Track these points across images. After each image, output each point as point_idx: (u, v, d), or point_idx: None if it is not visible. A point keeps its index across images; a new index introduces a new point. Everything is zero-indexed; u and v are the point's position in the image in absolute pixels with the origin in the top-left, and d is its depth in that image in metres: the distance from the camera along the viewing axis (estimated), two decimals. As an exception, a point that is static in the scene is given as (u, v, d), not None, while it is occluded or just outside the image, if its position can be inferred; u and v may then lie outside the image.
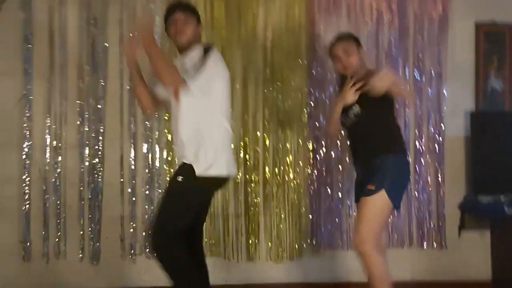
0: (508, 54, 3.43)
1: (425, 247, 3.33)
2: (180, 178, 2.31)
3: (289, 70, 3.26)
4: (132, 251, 3.16)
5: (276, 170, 3.24)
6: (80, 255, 3.12)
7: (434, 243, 3.33)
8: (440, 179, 3.34)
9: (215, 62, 2.32)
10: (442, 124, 3.35)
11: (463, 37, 3.41)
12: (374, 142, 2.50)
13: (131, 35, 2.37)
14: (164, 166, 3.18)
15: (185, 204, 2.31)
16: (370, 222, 2.41)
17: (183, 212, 2.31)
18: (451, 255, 3.33)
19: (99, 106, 3.12)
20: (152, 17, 2.23)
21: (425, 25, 3.37)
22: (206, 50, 2.33)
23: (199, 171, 2.28)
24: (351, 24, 3.32)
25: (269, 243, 3.24)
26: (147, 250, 3.10)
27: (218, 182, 2.40)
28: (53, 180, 3.11)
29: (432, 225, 3.34)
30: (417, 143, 3.35)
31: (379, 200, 2.40)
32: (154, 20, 2.25)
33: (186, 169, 2.30)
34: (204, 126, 2.31)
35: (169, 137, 3.13)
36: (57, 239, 3.11)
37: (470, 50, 3.42)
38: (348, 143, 2.68)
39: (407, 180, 2.61)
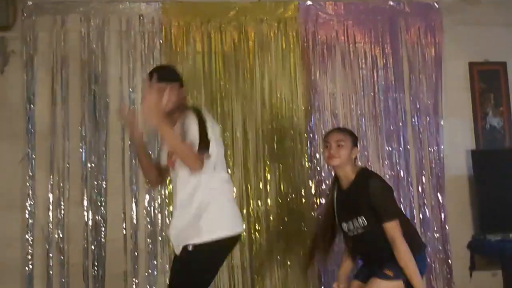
0: (504, 91, 3.48)
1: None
2: (190, 247, 2.16)
3: (288, 118, 3.30)
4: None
5: (280, 218, 3.21)
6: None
7: (444, 285, 3.26)
8: (443, 220, 3.31)
9: (211, 125, 2.23)
10: (443, 164, 3.35)
11: (457, 77, 3.47)
12: (386, 253, 2.36)
13: (131, 109, 2.32)
14: (166, 220, 3.16)
15: (201, 276, 2.20)
16: None
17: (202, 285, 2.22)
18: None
19: (101, 162, 3.14)
20: (159, 95, 2.11)
21: (419, 67, 3.44)
22: (199, 116, 2.21)
23: (202, 239, 2.16)
24: (346, 69, 3.38)
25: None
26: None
27: (228, 242, 2.25)
28: (56, 238, 3.08)
29: (441, 268, 3.28)
30: (419, 187, 3.34)
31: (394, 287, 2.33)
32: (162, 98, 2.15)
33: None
34: (206, 190, 2.20)
35: (170, 188, 3.14)
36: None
37: (465, 90, 3.47)
38: (355, 250, 2.56)
39: (424, 272, 2.49)
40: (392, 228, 2.33)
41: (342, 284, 2.59)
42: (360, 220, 2.40)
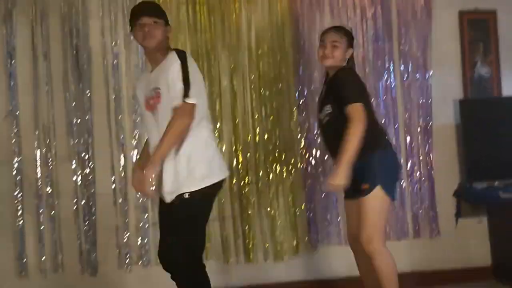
0: (493, 41, 3.44)
1: (421, 237, 3.32)
2: (187, 195, 2.23)
3: (276, 68, 3.25)
4: (128, 261, 3.14)
5: (270, 169, 3.23)
6: (80, 267, 3.10)
7: (430, 232, 3.32)
8: (430, 168, 3.34)
9: (196, 68, 2.28)
10: (430, 114, 3.35)
11: (447, 26, 3.41)
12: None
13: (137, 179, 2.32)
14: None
15: (199, 220, 2.31)
16: (375, 220, 2.41)
17: (201, 229, 2.31)
18: (450, 244, 3.33)
19: (86, 117, 3.11)
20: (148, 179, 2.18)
21: (409, 16, 3.37)
22: (182, 57, 2.24)
23: (196, 186, 2.24)
24: (334, 20, 3.31)
25: (266, 244, 3.23)
26: (143, 259, 3.13)
27: (217, 187, 2.35)
28: (46, 194, 3.08)
29: (427, 215, 3.33)
30: (407, 135, 3.35)
31: (377, 197, 2.40)
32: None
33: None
34: (190, 136, 2.24)
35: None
36: (54, 253, 3.09)
37: (455, 39, 3.43)
38: (324, 141, 2.66)
39: (398, 170, 2.63)
40: (354, 110, 2.33)
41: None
42: (326, 108, 2.47)
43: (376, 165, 2.41)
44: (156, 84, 2.27)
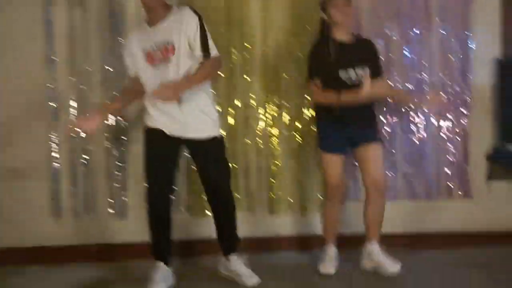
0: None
1: (453, 198, 3.28)
2: (219, 137, 2.65)
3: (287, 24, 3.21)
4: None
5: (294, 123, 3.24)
6: (110, 210, 3.21)
7: (462, 193, 3.27)
8: (467, 129, 3.28)
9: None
10: (468, 74, 3.26)
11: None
12: (366, 108, 2.77)
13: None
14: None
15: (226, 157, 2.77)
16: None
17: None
18: (480, 206, 3.28)
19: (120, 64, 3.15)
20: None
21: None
22: (198, 13, 2.54)
23: (219, 129, 2.69)
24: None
25: (289, 197, 3.25)
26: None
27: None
28: (80, 138, 3.17)
29: (459, 176, 3.28)
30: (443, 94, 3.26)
31: (380, 146, 2.86)
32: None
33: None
34: (204, 92, 2.62)
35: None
36: (86, 195, 3.20)
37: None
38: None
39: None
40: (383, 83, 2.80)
41: None
42: (360, 70, 2.70)
43: (377, 127, 2.96)
44: (166, 37, 2.49)
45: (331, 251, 2.88)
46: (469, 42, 3.26)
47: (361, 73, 2.69)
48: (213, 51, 2.55)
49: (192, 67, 2.52)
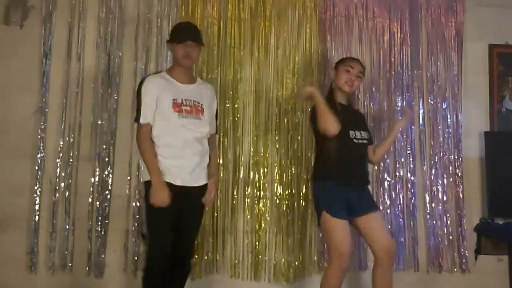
0: (523, 76, 3.40)
1: (444, 272, 3.23)
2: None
3: (300, 88, 3.27)
4: (133, 266, 3.12)
5: (283, 187, 3.21)
6: (87, 268, 3.10)
7: (455, 267, 3.22)
8: (455, 200, 3.27)
9: None
10: (458, 146, 3.29)
11: (476, 58, 3.40)
12: (366, 167, 2.79)
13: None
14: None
15: None
16: None
17: None
18: (468, 280, 3.20)
19: (111, 119, 3.18)
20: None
21: (438, 46, 3.38)
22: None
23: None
24: (362, 44, 3.35)
25: (274, 261, 3.17)
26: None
27: None
28: (63, 191, 3.12)
29: (452, 249, 3.23)
30: (432, 169, 3.29)
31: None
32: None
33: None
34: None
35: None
36: (65, 251, 3.10)
37: (484, 72, 3.40)
38: (350, 157, 2.68)
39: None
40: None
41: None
42: (365, 134, 2.77)
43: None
44: (198, 98, 2.64)
45: None
46: (459, 115, 3.32)
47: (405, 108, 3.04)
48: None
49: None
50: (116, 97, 3.20)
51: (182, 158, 2.55)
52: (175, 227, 2.51)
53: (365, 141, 2.75)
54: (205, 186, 2.64)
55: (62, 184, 3.13)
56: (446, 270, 3.22)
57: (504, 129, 3.34)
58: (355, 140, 2.69)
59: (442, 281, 3.22)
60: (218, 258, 3.14)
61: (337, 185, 2.64)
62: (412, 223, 3.23)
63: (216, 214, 3.15)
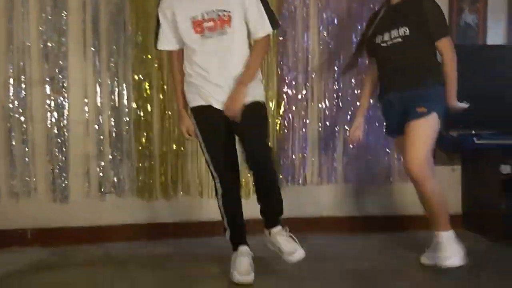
0: (481, -12, 3.36)
1: (394, 182, 3.35)
2: (262, 102, 2.42)
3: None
4: (102, 190, 3.14)
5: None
6: (51, 194, 3.09)
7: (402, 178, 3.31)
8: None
9: None
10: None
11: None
12: (422, 66, 2.46)
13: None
14: (133, 104, 3.13)
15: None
16: (426, 145, 2.39)
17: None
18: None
19: (62, 39, 3.03)
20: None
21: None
22: None
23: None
24: None
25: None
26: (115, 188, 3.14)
27: None
28: (18, 118, 3.04)
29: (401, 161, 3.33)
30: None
31: (432, 122, 2.40)
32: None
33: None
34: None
35: (136, 76, 3.09)
36: (27, 178, 3.07)
37: (443, -16, 3.34)
38: (385, 63, 2.56)
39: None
40: (450, 44, 2.47)
41: (359, 130, 2.65)
42: (402, 30, 2.42)
43: (437, 95, 2.44)
44: (221, 7, 2.25)
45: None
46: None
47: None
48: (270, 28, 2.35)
49: (245, 44, 2.37)
50: (65, 17, 3.04)
51: (214, 82, 2.33)
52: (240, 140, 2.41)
53: (397, 40, 2.44)
54: (251, 103, 2.34)
55: (17, 110, 3.04)
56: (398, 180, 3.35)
57: (462, 41, 3.34)
58: (382, 44, 2.49)
59: (403, 190, 3.31)
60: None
61: (384, 97, 2.58)
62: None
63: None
